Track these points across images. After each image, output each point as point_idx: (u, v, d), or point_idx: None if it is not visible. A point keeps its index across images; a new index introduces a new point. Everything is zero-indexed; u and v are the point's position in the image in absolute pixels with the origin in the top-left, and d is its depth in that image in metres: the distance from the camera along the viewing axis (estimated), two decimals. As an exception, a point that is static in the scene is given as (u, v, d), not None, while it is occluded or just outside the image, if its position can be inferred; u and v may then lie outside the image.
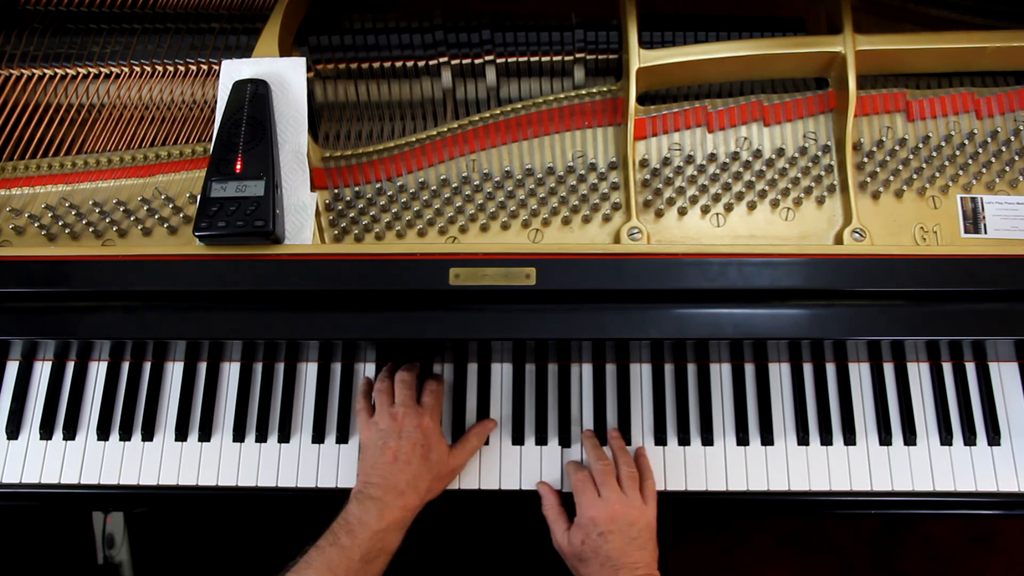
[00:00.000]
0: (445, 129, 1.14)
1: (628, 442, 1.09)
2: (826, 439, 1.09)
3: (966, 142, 1.13)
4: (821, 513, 1.10)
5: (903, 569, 1.81)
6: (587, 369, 1.13)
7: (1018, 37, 1.11)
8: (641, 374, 1.13)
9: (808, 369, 1.13)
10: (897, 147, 1.13)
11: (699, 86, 1.17)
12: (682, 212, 1.11)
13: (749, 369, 1.13)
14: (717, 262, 1.00)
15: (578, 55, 1.16)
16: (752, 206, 1.11)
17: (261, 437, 1.11)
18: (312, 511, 1.05)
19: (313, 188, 1.09)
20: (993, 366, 1.12)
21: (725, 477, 1.08)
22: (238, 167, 1.03)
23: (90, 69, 1.18)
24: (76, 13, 1.23)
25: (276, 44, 1.12)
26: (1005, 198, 1.11)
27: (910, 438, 1.08)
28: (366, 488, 0.97)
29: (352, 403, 1.12)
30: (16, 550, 1.72)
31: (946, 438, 1.09)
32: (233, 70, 1.11)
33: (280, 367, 1.14)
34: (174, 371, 1.14)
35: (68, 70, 1.19)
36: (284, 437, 1.10)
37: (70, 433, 1.11)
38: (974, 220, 1.10)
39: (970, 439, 1.09)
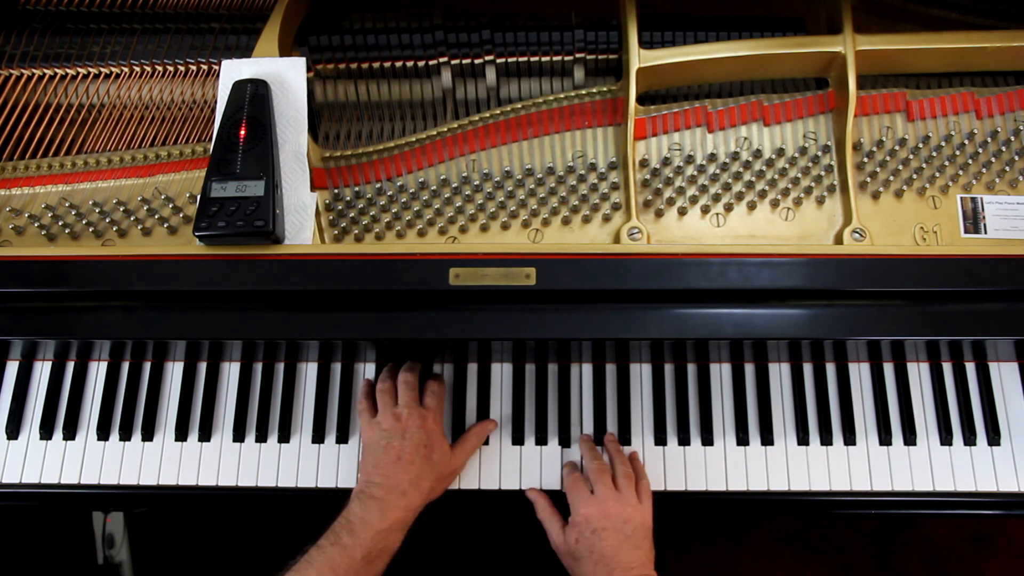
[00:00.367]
0: (445, 129, 1.14)
1: (628, 442, 1.09)
2: (826, 439, 1.09)
3: (966, 142, 1.13)
4: (821, 513, 1.10)
5: (903, 569, 1.81)
6: (587, 369, 1.13)
7: (1018, 37, 1.11)
8: (641, 374, 1.13)
9: (808, 369, 1.13)
10: (897, 147, 1.13)
11: (699, 86, 1.17)
12: (682, 212, 1.11)
13: (749, 369, 1.13)
14: (717, 262, 1.00)
15: (578, 55, 1.16)
16: (752, 206, 1.11)
17: (261, 437, 1.11)
18: (312, 511, 1.05)
19: (313, 188, 1.09)
20: (993, 366, 1.12)
21: (725, 477, 1.08)
22: (238, 167, 1.03)
23: (90, 69, 1.18)
24: (76, 13, 1.23)
25: (276, 44, 1.12)
26: (1005, 198, 1.11)
27: (910, 438, 1.08)
28: (368, 488, 0.97)
29: (352, 403, 1.12)
30: (16, 550, 1.72)
31: (946, 438, 1.09)
32: (233, 70, 1.11)
33: (280, 367, 1.14)
34: (174, 371, 1.14)
35: (68, 70, 1.19)
36: (284, 437, 1.10)
37: (70, 433, 1.11)
38: (974, 220, 1.10)
39: (970, 439, 1.09)
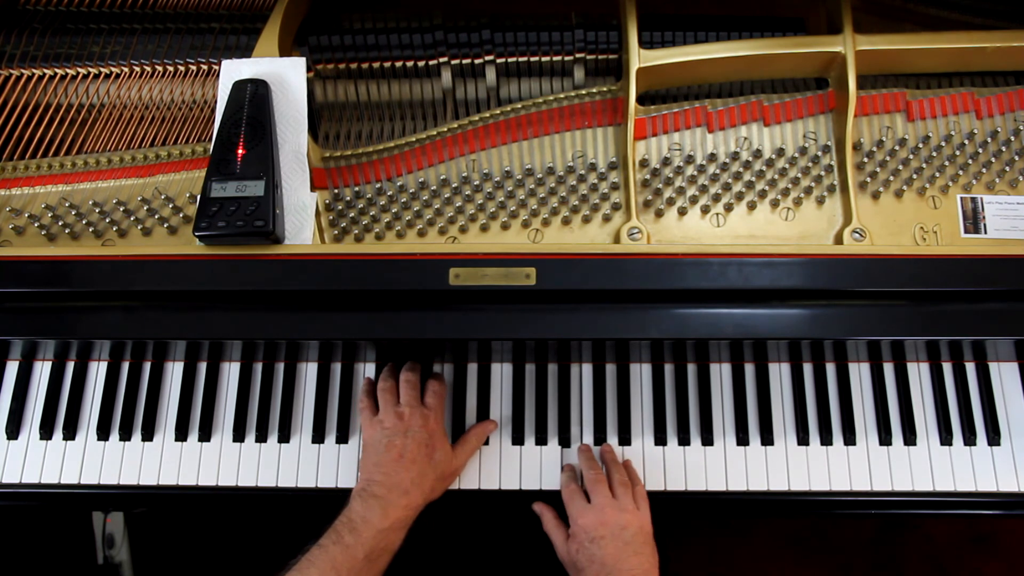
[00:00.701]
0: (445, 129, 1.14)
1: (628, 442, 1.09)
2: (826, 439, 1.09)
3: (966, 142, 1.13)
4: (821, 513, 1.10)
5: (903, 569, 1.81)
6: (587, 369, 1.13)
7: (1018, 37, 1.11)
8: (641, 374, 1.13)
9: (808, 369, 1.13)
10: (897, 147, 1.13)
11: (699, 86, 1.17)
12: (682, 212, 1.11)
13: (749, 369, 1.13)
14: (717, 262, 1.00)
15: (578, 55, 1.16)
16: (752, 206, 1.11)
17: (261, 437, 1.11)
18: (312, 511, 1.05)
19: (313, 188, 1.09)
20: (993, 366, 1.12)
21: (725, 477, 1.08)
22: (238, 167, 1.03)
23: (90, 69, 1.18)
24: (76, 13, 1.23)
25: (276, 44, 1.12)
26: (1005, 198, 1.11)
27: (910, 438, 1.08)
28: (370, 486, 0.97)
29: (352, 403, 1.12)
30: (16, 550, 1.72)
31: (946, 438, 1.09)
32: (233, 70, 1.11)
33: (280, 367, 1.14)
34: (174, 371, 1.14)
35: (68, 70, 1.19)
36: (284, 437, 1.10)
37: (70, 433, 1.11)
38: (974, 220, 1.10)
39: (970, 439, 1.09)
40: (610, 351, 1.11)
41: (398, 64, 1.17)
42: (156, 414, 1.12)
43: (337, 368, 1.14)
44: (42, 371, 1.14)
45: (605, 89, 1.15)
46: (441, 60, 1.16)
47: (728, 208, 1.11)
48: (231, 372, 1.14)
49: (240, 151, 1.05)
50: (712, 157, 1.12)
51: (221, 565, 1.75)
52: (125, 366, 1.14)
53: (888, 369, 1.12)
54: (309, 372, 1.14)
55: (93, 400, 1.13)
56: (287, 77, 1.11)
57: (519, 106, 1.15)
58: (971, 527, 1.83)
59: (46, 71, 1.19)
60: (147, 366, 1.14)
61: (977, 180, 1.12)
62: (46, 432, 1.11)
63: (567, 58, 1.16)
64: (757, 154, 1.12)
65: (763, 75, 1.16)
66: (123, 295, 1.03)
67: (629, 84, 1.10)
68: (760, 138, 1.14)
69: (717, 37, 1.13)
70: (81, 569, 1.64)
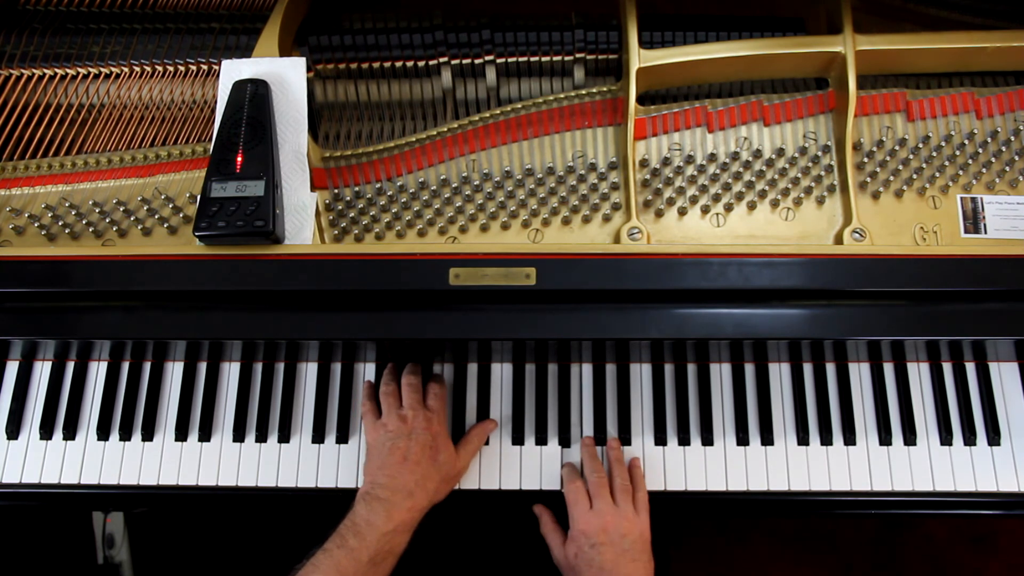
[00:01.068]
0: (445, 129, 1.14)
1: (628, 442, 1.09)
2: (826, 439, 1.09)
3: (966, 142, 1.13)
4: (821, 513, 1.10)
5: (903, 569, 1.81)
6: (587, 369, 1.13)
7: (1018, 37, 1.11)
8: (641, 374, 1.13)
9: (808, 369, 1.13)
10: (897, 147, 1.13)
11: (699, 86, 1.17)
12: (682, 212, 1.11)
13: (749, 369, 1.13)
14: (717, 262, 1.00)
15: (578, 55, 1.16)
16: (752, 206, 1.11)
17: (261, 437, 1.11)
18: (312, 511, 1.05)
19: (313, 188, 1.09)
20: (993, 366, 1.12)
21: (725, 477, 1.08)
22: (238, 167, 1.03)
23: (90, 69, 1.18)
24: (76, 13, 1.23)
25: (276, 44, 1.12)
26: (1005, 198, 1.11)
27: (910, 438, 1.08)
28: (374, 489, 0.97)
29: (353, 403, 1.12)
30: (16, 550, 1.72)
31: (946, 438, 1.09)
32: (233, 70, 1.11)
33: (280, 367, 1.14)
34: (174, 371, 1.14)
35: (68, 70, 1.19)
36: (284, 437, 1.10)
37: (70, 433, 1.11)
38: (974, 220, 1.10)
39: (970, 439, 1.09)
40: (610, 351, 1.11)
41: (398, 64, 1.17)
42: (156, 414, 1.12)
43: (337, 368, 1.14)
44: (42, 371, 1.14)
45: (605, 89, 1.15)
46: (441, 60, 1.16)
47: (728, 208, 1.11)
48: (231, 372, 1.14)
49: (240, 151, 1.05)
50: (712, 157, 1.12)
51: (221, 565, 1.75)
52: (125, 366, 1.14)
53: (888, 369, 1.12)
54: (309, 372, 1.14)
55: (93, 400, 1.13)
56: (287, 77, 1.11)
57: (519, 106, 1.15)
58: (971, 527, 1.83)
59: (46, 71, 1.19)
60: (147, 366, 1.14)
61: (977, 180, 1.12)
62: (46, 432, 1.11)
63: (567, 58, 1.16)
64: (757, 154, 1.12)
65: (763, 75, 1.16)
66: (123, 295, 1.03)
67: (629, 84, 1.10)
68: (760, 138, 1.14)
69: (717, 37, 1.13)
70: (81, 569, 1.64)
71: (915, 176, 1.11)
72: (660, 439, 1.09)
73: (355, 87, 1.19)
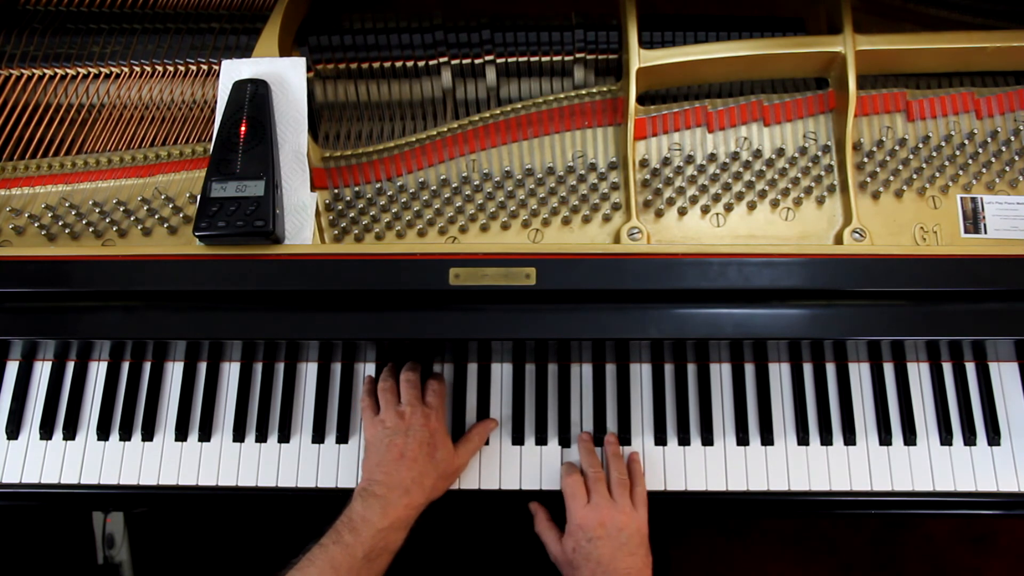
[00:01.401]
0: (445, 129, 1.14)
1: (628, 442, 1.09)
2: (826, 439, 1.09)
3: (966, 142, 1.13)
4: (821, 513, 1.10)
5: (903, 569, 1.81)
6: (587, 369, 1.13)
7: (1018, 37, 1.11)
8: (641, 374, 1.13)
9: (808, 369, 1.13)
10: (897, 147, 1.13)
11: (699, 86, 1.17)
12: (682, 212, 1.11)
13: (749, 369, 1.13)
14: (717, 262, 1.00)
15: (578, 55, 1.16)
16: (752, 206, 1.11)
17: (261, 437, 1.11)
18: (312, 511, 1.05)
19: (313, 188, 1.09)
20: (993, 366, 1.12)
21: (725, 477, 1.08)
22: (238, 167, 1.03)
23: (90, 69, 1.19)
24: (76, 13, 1.23)
25: (276, 44, 1.12)
26: (1005, 198, 1.11)
27: (910, 438, 1.08)
28: (371, 486, 0.97)
29: (353, 403, 1.12)
30: (16, 550, 1.72)
31: (946, 438, 1.09)
32: (233, 70, 1.11)
33: (280, 367, 1.14)
34: (174, 371, 1.14)
35: (68, 70, 1.19)
36: (284, 437, 1.10)
37: (70, 433, 1.11)
38: (974, 220, 1.10)
39: (970, 439, 1.09)
40: (610, 351, 1.11)
41: (398, 64, 1.17)
42: (156, 414, 1.12)
43: (337, 368, 1.14)
44: (42, 371, 1.14)
45: (605, 89, 1.15)
46: (441, 60, 1.16)
47: (728, 208, 1.11)
48: (231, 372, 1.14)
49: (240, 151, 1.05)
50: (712, 157, 1.12)
51: (221, 565, 1.75)
52: (125, 366, 1.14)
53: (888, 369, 1.12)
54: (309, 372, 1.14)
55: (93, 400, 1.13)
56: (287, 77, 1.11)
57: (519, 106, 1.15)
58: (971, 527, 1.83)
59: (46, 71, 1.19)
60: (147, 366, 1.14)
61: (977, 180, 1.12)
62: (46, 432, 1.11)
63: (567, 58, 1.16)
64: (757, 154, 1.12)
65: (763, 75, 1.16)
66: (123, 295, 1.03)
67: (629, 84, 1.10)
68: (760, 138, 1.14)
69: (717, 37, 1.13)
70: (81, 569, 1.64)
71: (915, 176, 1.11)
72: (660, 439, 1.09)
73: (355, 87, 1.19)
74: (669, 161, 1.13)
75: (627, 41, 1.11)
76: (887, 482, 1.07)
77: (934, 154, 1.13)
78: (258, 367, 1.14)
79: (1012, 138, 1.14)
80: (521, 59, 1.16)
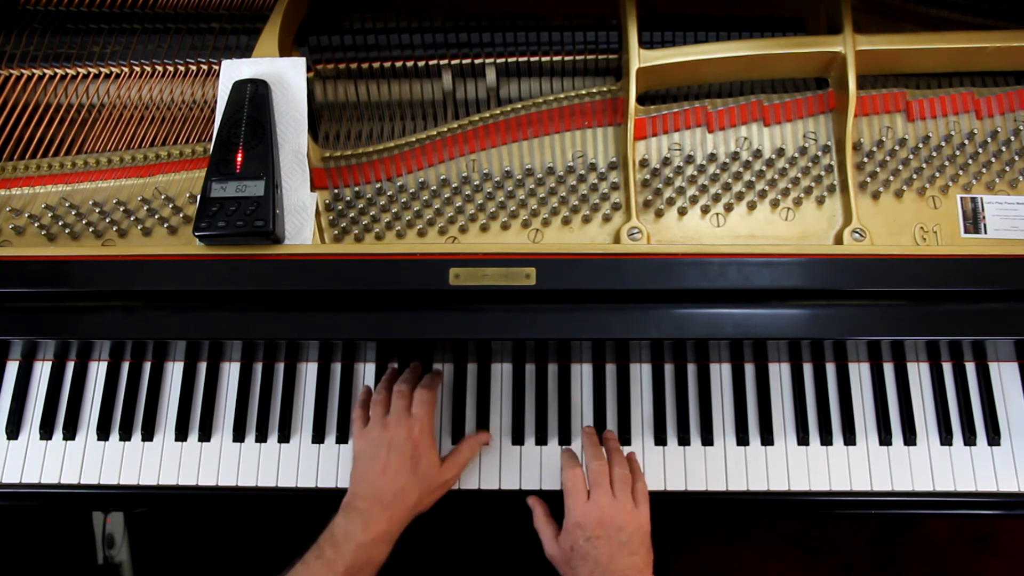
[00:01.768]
0: (445, 129, 1.14)
1: (628, 442, 1.09)
2: (826, 439, 1.09)
3: (966, 142, 1.13)
4: (821, 513, 1.10)
5: (903, 569, 1.81)
6: (587, 369, 1.13)
7: (1018, 37, 1.11)
8: (641, 374, 1.13)
9: (808, 369, 1.13)
10: (897, 147, 1.13)
11: (699, 86, 1.17)
12: (682, 212, 1.11)
13: (749, 369, 1.13)
14: (717, 262, 1.00)
15: (578, 55, 1.16)
16: (752, 206, 1.11)
17: (261, 437, 1.11)
18: (312, 511, 1.05)
19: (313, 188, 1.09)
20: (993, 366, 1.12)
21: (725, 477, 1.08)
22: (238, 167, 1.03)
23: (90, 69, 1.19)
24: (76, 13, 1.23)
25: (276, 44, 1.12)
26: (1005, 198, 1.11)
27: (910, 438, 1.08)
28: (353, 500, 0.97)
29: (353, 403, 1.12)
30: (16, 550, 1.72)
31: (946, 438, 1.09)
32: (233, 70, 1.11)
33: (280, 367, 1.14)
34: (174, 371, 1.14)
35: (68, 70, 1.19)
36: (284, 437, 1.10)
37: (70, 433, 1.11)
38: (974, 220, 1.10)
39: (970, 439, 1.09)
40: (610, 351, 1.11)
41: (398, 64, 1.17)
42: (156, 414, 1.12)
43: (337, 368, 1.14)
44: (42, 371, 1.14)
45: (605, 89, 1.15)
46: (441, 60, 1.16)
47: (728, 208, 1.11)
48: (231, 372, 1.14)
49: (240, 151, 1.05)
50: (712, 157, 1.12)
51: (221, 565, 1.75)
52: (125, 366, 1.14)
53: (888, 369, 1.12)
54: (309, 372, 1.14)
55: (93, 400, 1.13)
56: (287, 77, 1.11)
57: (519, 106, 1.15)
58: (971, 527, 1.83)
59: (46, 71, 1.19)
60: (147, 366, 1.14)
61: (977, 180, 1.12)
62: (46, 432, 1.11)
63: (567, 58, 1.16)
64: (757, 154, 1.12)
65: (763, 75, 1.16)
66: (123, 295, 1.03)
67: (629, 84, 1.10)
68: (760, 138, 1.14)
69: (717, 37, 1.13)
70: (81, 569, 1.64)
71: (915, 176, 1.11)
72: (660, 439, 1.09)
73: (355, 87, 1.19)
74: (669, 161, 1.13)
75: (627, 41, 1.11)
76: (887, 482, 1.07)
77: (934, 154, 1.13)
78: (258, 367, 1.14)
79: (1012, 138, 1.14)
80: (521, 59, 1.16)
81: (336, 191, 1.12)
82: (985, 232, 1.10)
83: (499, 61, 1.16)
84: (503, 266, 1.00)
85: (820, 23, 1.21)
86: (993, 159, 1.12)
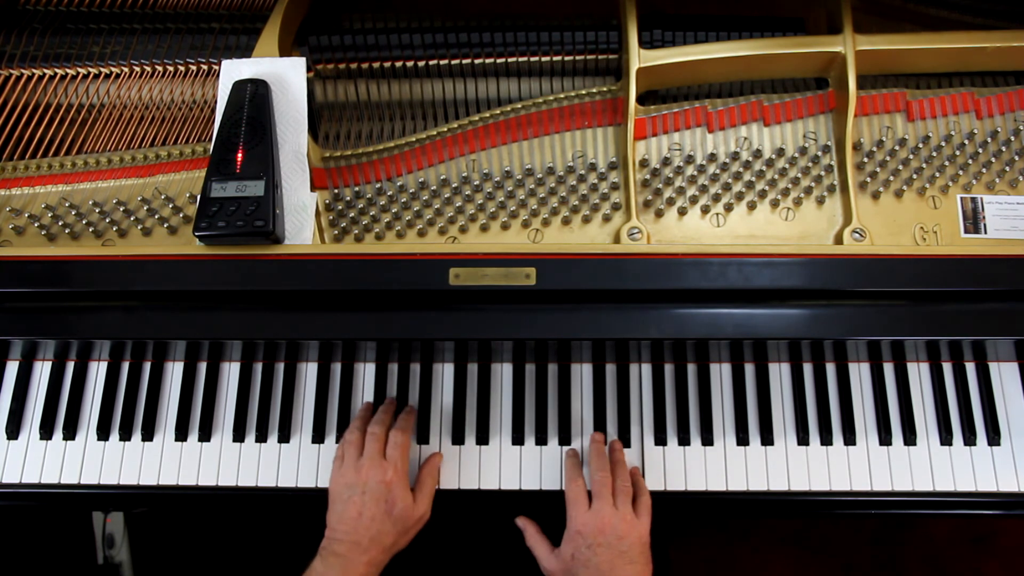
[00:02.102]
0: (445, 129, 1.14)
1: (628, 443, 1.09)
2: (826, 439, 1.09)
3: (966, 142, 1.13)
4: (821, 513, 1.10)
5: (903, 569, 1.81)
6: (587, 369, 1.13)
7: (1018, 37, 1.11)
8: (641, 374, 1.13)
9: (808, 369, 1.13)
10: (897, 147, 1.13)
11: (699, 86, 1.17)
12: (682, 212, 1.11)
13: (749, 369, 1.13)
14: (717, 262, 1.00)
15: (578, 55, 1.16)
16: (752, 206, 1.11)
17: (261, 437, 1.11)
18: (312, 511, 1.05)
19: (313, 188, 1.09)
20: (993, 366, 1.12)
21: (725, 477, 1.08)
22: (238, 167, 1.03)
23: (90, 69, 1.19)
24: (76, 13, 1.23)
25: (276, 44, 1.12)
26: (1005, 198, 1.11)
27: (910, 438, 1.08)
28: (331, 544, 0.97)
29: (353, 404, 1.12)
30: (16, 550, 1.72)
31: (946, 438, 1.09)
32: (233, 70, 1.11)
33: (280, 367, 1.14)
34: (174, 371, 1.14)
35: (68, 70, 1.19)
36: (284, 437, 1.10)
37: (70, 433, 1.11)
38: (974, 220, 1.10)
39: (970, 439, 1.09)
40: (610, 351, 1.11)
41: (398, 64, 1.17)
42: (156, 414, 1.12)
43: (337, 368, 1.14)
44: (42, 371, 1.14)
45: (605, 89, 1.15)
46: (441, 60, 1.16)
47: (728, 208, 1.11)
48: (231, 372, 1.14)
49: (240, 151, 1.05)
50: (712, 157, 1.12)
51: (221, 565, 1.75)
52: (125, 366, 1.14)
53: (888, 369, 1.12)
54: (309, 372, 1.14)
55: (93, 400, 1.13)
56: (287, 77, 1.11)
57: (519, 106, 1.15)
58: (971, 527, 1.83)
59: (46, 71, 1.19)
60: (147, 366, 1.14)
61: (977, 180, 1.12)
62: (46, 432, 1.11)
63: (567, 58, 1.16)
64: (757, 154, 1.12)
65: (763, 75, 1.16)
66: (123, 295, 1.03)
67: (629, 84, 1.10)
68: (760, 138, 1.14)
69: (717, 37, 1.13)
70: (81, 569, 1.64)
71: (915, 176, 1.11)
72: (660, 439, 1.09)
73: (355, 87, 1.19)
74: (669, 161, 1.13)
75: (627, 41, 1.11)
76: (887, 482, 1.07)
77: (934, 154, 1.13)
78: (258, 367, 1.14)
79: (1012, 138, 1.14)
80: (521, 59, 1.16)
81: (336, 191, 1.12)
82: (985, 232, 1.10)
83: (499, 61, 1.16)
84: (503, 266, 1.00)
85: (820, 23, 1.21)
86: (993, 159, 1.12)
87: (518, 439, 1.10)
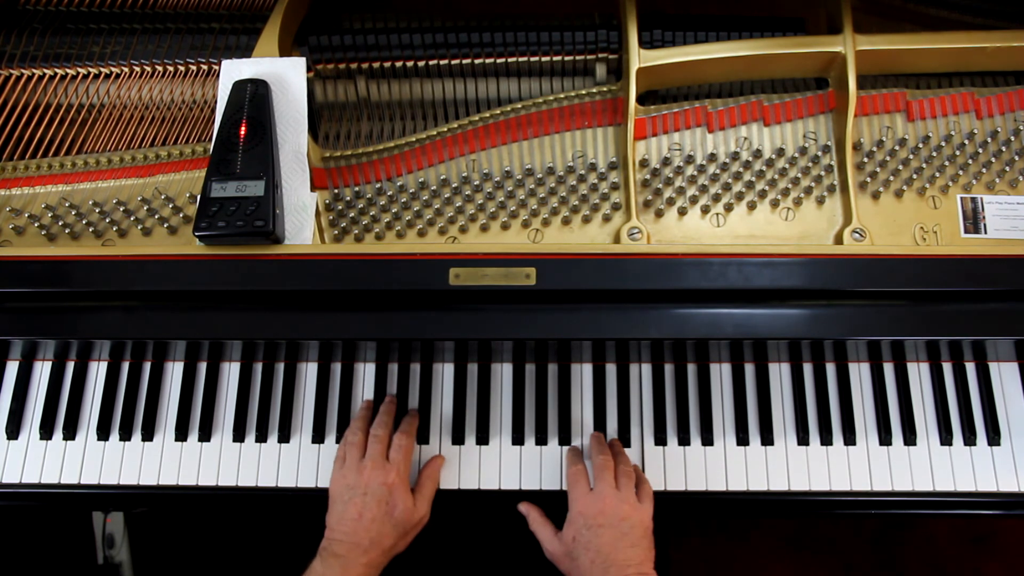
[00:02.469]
0: (445, 129, 1.14)
1: (628, 443, 1.09)
2: (826, 439, 1.09)
3: (966, 142, 1.13)
4: (821, 513, 1.10)
5: (903, 569, 1.81)
6: (587, 369, 1.13)
7: (1018, 37, 1.11)
8: (641, 374, 1.13)
9: (808, 369, 1.13)
10: (897, 147, 1.13)
11: (699, 86, 1.17)
12: (682, 212, 1.11)
13: (749, 369, 1.13)
14: (717, 262, 1.00)
15: (578, 55, 1.16)
16: (752, 206, 1.11)
17: (261, 437, 1.11)
18: (312, 511, 1.05)
19: (313, 188, 1.09)
20: (993, 366, 1.12)
21: (725, 477, 1.08)
22: (238, 167, 1.03)
23: (90, 69, 1.19)
24: (76, 13, 1.23)
25: (276, 44, 1.12)
26: (1005, 198, 1.11)
27: (910, 438, 1.08)
28: (331, 544, 0.97)
29: (353, 404, 1.12)
30: (16, 550, 1.72)
31: (946, 438, 1.09)
32: (233, 70, 1.11)
33: (280, 367, 1.14)
34: (174, 371, 1.14)
35: (68, 70, 1.19)
36: (284, 437, 1.10)
37: (70, 433, 1.11)
38: (974, 220, 1.10)
39: (970, 439, 1.09)
40: (610, 351, 1.11)
41: (398, 64, 1.17)
42: (156, 414, 1.12)
43: (337, 368, 1.14)
44: (42, 371, 1.14)
45: (605, 89, 1.15)
46: (441, 60, 1.16)
47: (728, 208, 1.11)
48: (231, 372, 1.14)
49: (240, 151, 1.05)
50: (712, 157, 1.12)
51: (221, 565, 1.75)
52: (125, 366, 1.14)
53: (888, 369, 1.12)
54: (309, 372, 1.14)
55: (93, 400, 1.13)
56: (287, 77, 1.11)
57: (519, 106, 1.15)
58: (971, 527, 1.83)
59: (46, 71, 1.19)
60: (147, 366, 1.14)
61: (977, 180, 1.12)
62: (46, 432, 1.11)
63: (567, 58, 1.16)
64: (757, 154, 1.12)
65: (763, 75, 1.16)
66: (123, 295, 1.03)
67: (629, 84, 1.10)
68: (760, 138, 1.14)
69: (717, 37, 1.13)
70: (81, 569, 1.64)
71: (915, 176, 1.11)
72: (660, 439, 1.09)
73: (355, 87, 1.19)
74: (669, 161, 1.13)
75: (627, 41, 1.11)
76: (887, 482, 1.07)
77: (934, 154, 1.13)
78: (258, 367, 1.14)
79: (1012, 138, 1.14)
80: (521, 59, 1.16)
81: (336, 191, 1.12)
82: (985, 232, 1.10)
83: (499, 61, 1.16)
84: (503, 266, 1.00)
85: (820, 23, 1.21)
86: (993, 159, 1.12)
87: (518, 439, 1.10)
